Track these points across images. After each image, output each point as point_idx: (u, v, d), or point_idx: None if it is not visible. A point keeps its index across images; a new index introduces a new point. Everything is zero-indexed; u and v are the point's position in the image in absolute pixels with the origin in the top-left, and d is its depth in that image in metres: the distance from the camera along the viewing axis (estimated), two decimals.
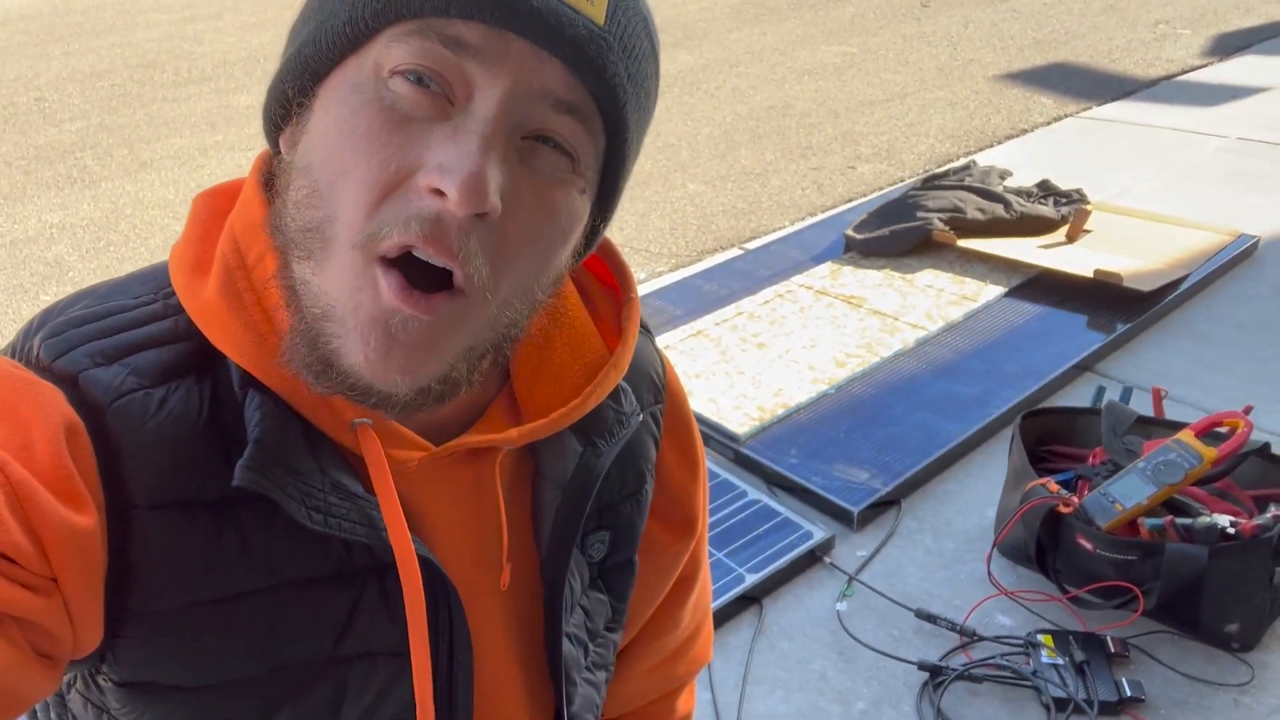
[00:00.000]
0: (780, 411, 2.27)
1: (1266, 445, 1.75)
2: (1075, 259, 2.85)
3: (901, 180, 4.01)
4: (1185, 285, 2.75)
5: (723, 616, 1.75)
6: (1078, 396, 2.31)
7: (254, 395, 0.53)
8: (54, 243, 3.89)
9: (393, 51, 0.48)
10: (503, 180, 0.48)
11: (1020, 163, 3.75)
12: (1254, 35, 5.76)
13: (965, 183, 3.25)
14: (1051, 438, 1.98)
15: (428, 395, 0.52)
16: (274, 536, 0.54)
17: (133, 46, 7.06)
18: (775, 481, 2.09)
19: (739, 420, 2.24)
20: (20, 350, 0.54)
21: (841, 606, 1.78)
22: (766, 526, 1.92)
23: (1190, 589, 1.60)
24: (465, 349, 0.52)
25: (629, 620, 0.76)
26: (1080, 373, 2.44)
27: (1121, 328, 2.56)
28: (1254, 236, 3.02)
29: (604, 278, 0.69)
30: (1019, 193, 3.23)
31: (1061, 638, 1.63)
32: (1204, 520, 1.61)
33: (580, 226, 0.54)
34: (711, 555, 1.85)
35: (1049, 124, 4.54)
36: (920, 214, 3.05)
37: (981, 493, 2.04)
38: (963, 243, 2.96)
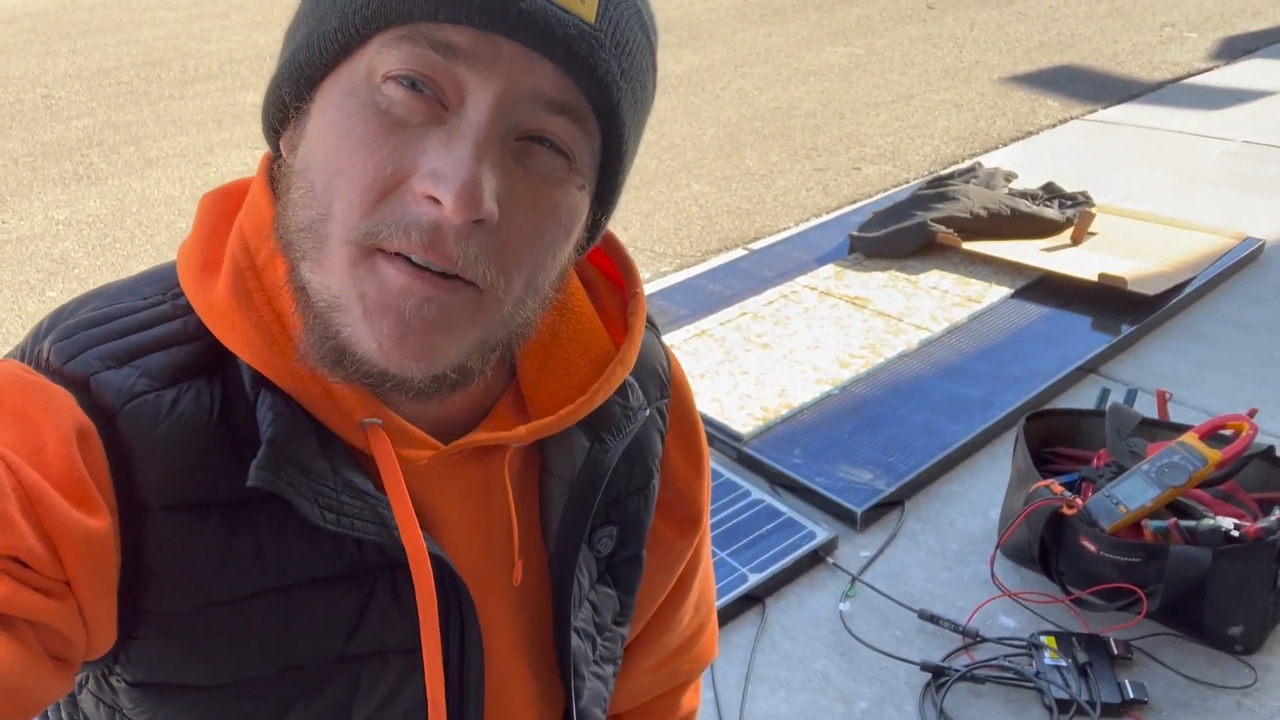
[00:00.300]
0: (784, 412, 2.27)
1: (1271, 448, 1.75)
2: (1080, 262, 2.85)
3: (907, 182, 4.01)
4: (1190, 288, 2.75)
5: (726, 616, 1.75)
6: (1082, 399, 2.31)
7: (266, 395, 0.53)
8: (60, 239, 3.90)
9: (384, 57, 0.48)
10: (498, 184, 0.48)
11: (1025, 165, 3.75)
12: (1260, 39, 5.76)
13: (970, 185, 3.25)
14: (1056, 440, 1.98)
15: (442, 383, 0.52)
16: (286, 536, 0.54)
17: (139, 44, 7.08)
18: (779, 481, 2.09)
19: (743, 420, 2.24)
20: (30, 353, 0.54)
21: (844, 607, 1.78)
22: (770, 526, 1.92)
23: (1194, 591, 1.60)
24: (480, 340, 0.52)
25: (634, 616, 0.76)
26: (1085, 375, 2.44)
27: (1126, 330, 2.56)
28: (1259, 240, 3.01)
29: (610, 273, 0.69)
30: (1024, 195, 3.23)
31: (1064, 639, 1.63)
32: (1208, 523, 1.61)
33: (581, 222, 0.54)
34: (714, 555, 1.85)
35: (1054, 126, 4.54)
36: (925, 216, 3.05)
37: (985, 494, 2.04)
38: (967, 245, 2.96)
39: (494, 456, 0.61)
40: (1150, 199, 3.49)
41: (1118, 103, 4.75)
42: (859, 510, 1.95)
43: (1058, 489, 1.73)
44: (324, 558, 0.55)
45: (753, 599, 1.79)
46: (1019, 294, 2.78)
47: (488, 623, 0.62)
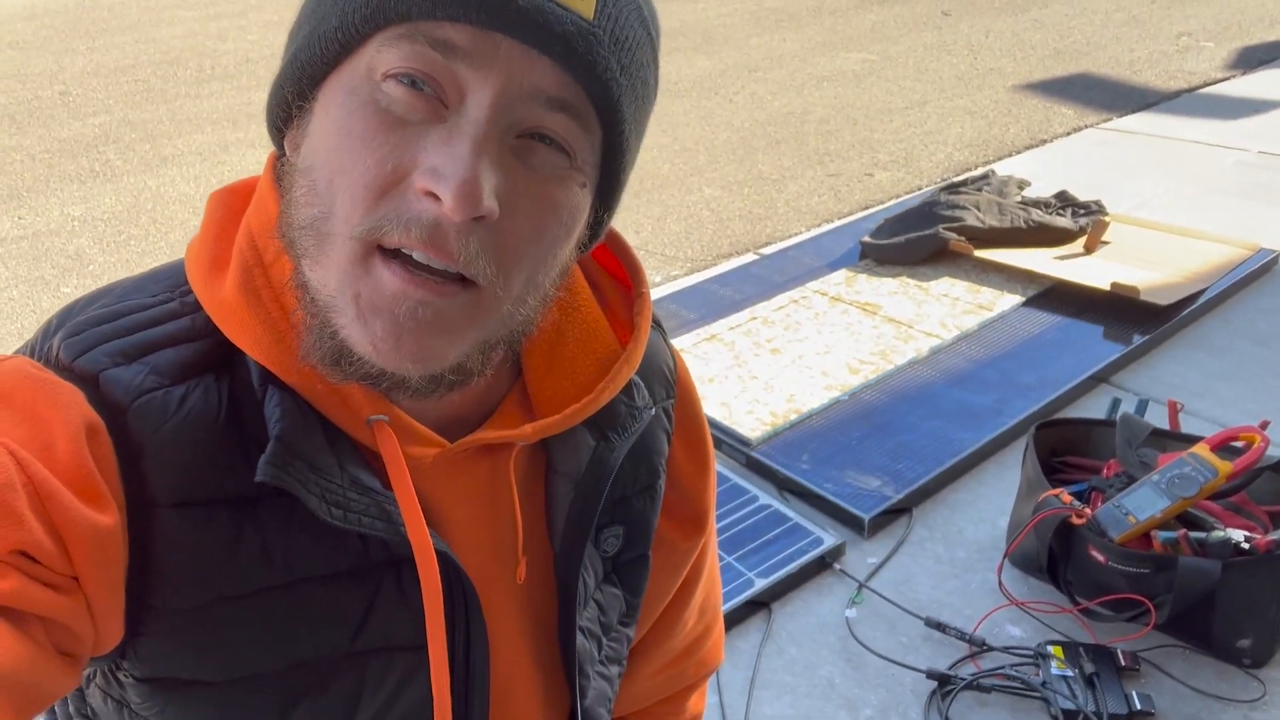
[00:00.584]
0: (793, 417, 2.27)
1: None
2: (1092, 270, 2.84)
3: (919, 188, 4.00)
4: (1203, 299, 2.74)
5: (732, 621, 1.75)
6: (1093, 408, 2.30)
7: (274, 392, 0.53)
8: (75, 235, 3.93)
9: (384, 55, 0.48)
10: (499, 181, 0.48)
11: (1039, 173, 3.73)
12: (1277, 49, 5.73)
13: (983, 192, 3.24)
14: (1065, 449, 1.97)
15: (440, 383, 0.53)
16: (293, 533, 0.54)
17: (157, 43, 7.12)
18: (786, 487, 2.09)
19: (751, 425, 2.24)
20: (40, 350, 0.54)
21: (851, 613, 1.78)
22: (777, 531, 1.92)
23: (1203, 603, 1.59)
24: (480, 341, 0.52)
25: (640, 618, 0.77)
26: (1096, 384, 2.43)
27: (1138, 340, 2.55)
28: (1273, 251, 3.00)
29: (616, 273, 0.69)
30: (1037, 203, 3.22)
31: (1071, 649, 1.63)
32: (1218, 534, 1.61)
33: (582, 220, 0.55)
34: (721, 559, 1.85)
35: (1069, 134, 4.53)
36: (937, 223, 3.04)
37: (994, 502, 2.04)
38: (979, 252, 2.96)
39: (500, 454, 0.61)
40: (1164, 209, 3.48)
41: (1133, 111, 4.74)
42: (867, 517, 1.95)
43: (1067, 498, 1.73)
44: (330, 554, 0.55)
45: (759, 604, 1.79)
46: (1030, 302, 2.77)
47: (493, 620, 0.62)
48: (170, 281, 0.57)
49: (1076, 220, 3.12)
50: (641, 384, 0.66)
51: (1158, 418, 1.98)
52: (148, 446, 0.51)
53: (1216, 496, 1.68)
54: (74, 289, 3.49)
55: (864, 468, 2.10)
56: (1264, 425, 1.74)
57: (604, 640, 0.71)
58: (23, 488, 0.45)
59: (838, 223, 3.61)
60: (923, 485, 2.04)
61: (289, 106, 0.53)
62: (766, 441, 2.20)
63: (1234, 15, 6.62)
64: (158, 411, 0.52)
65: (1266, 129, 4.27)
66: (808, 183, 4.23)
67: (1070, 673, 1.58)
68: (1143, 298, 2.65)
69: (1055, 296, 2.79)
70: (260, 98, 5.71)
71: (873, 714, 1.58)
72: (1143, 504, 1.66)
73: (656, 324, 0.71)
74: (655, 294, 3.02)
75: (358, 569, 0.56)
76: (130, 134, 5.14)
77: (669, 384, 0.71)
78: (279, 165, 0.56)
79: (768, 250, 3.38)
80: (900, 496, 2.00)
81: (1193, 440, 1.79)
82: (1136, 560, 1.63)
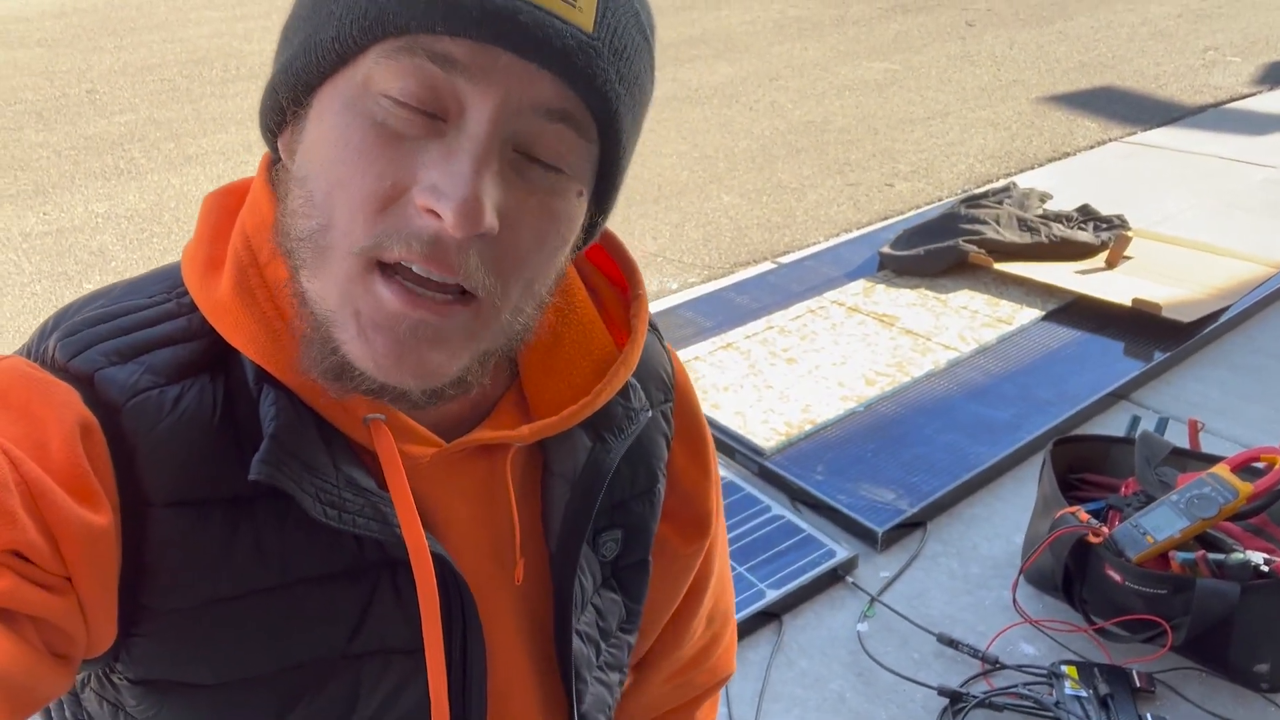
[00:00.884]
0: (807, 428, 2.26)
1: None
2: (1114, 286, 2.82)
3: (939, 199, 3.98)
4: (1226, 316, 2.71)
5: (742, 632, 1.74)
6: (1112, 425, 2.28)
7: (269, 391, 0.53)
8: (99, 232, 3.97)
9: (382, 69, 0.48)
10: (499, 196, 0.48)
11: (1061, 186, 3.70)
12: None
13: (1004, 204, 3.22)
14: (1083, 466, 1.96)
15: (440, 395, 0.53)
16: (287, 533, 0.54)
17: (184, 42, 7.19)
18: (800, 498, 2.07)
19: (765, 435, 2.23)
20: (36, 351, 0.54)
21: (862, 627, 1.77)
22: (789, 543, 1.91)
23: (1220, 626, 1.57)
24: (479, 352, 0.53)
25: (645, 625, 0.76)
26: (1115, 401, 2.41)
27: (1159, 357, 2.52)
28: None
29: (613, 276, 0.69)
30: (1059, 217, 3.20)
31: (1086, 669, 1.61)
32: (1237, 557, 1.58)
33: (578, 226, 0.55)
34: (733, 569, 1.84)
35: (1092, 148, 4.49)
36: (957, 235, 3.02)
37: (1009, 518, 2.02)
38: (999, 265, 2.94)
39: (496, 455, 0.61)
40: (1188, 224, 3.44)
41: (1157, 126, 4.70)
42: (880, 530, 1.94)
43: (1084, 516, 1.71)
44: (325, 555, 0.55)
45: (770, 615, 1.78)
46: (1050, 316, 2.75)
47: (490, 622, 0.62)
48: (167, 283, 0.57)
49: (1098, 235, 3.09)
50: (639, 386, 0.67)
51: (1178, 436, 1.96)
52: (142, 446, 0.51)
53: (1236, 518, 1.66)
54: (96, 285, 3.51)
55: (878, 480, 2.09)
56: None
57: (603, 646, 0.70)
58: (15, 486, 0.45)
59: (856, 233, 3.60)
60: (938, 499, 2.03)
61: (283, 111, 0.53)
62: (780, 452, 2.19)
63: (1261, 30, 6.56)
64: (153, 411, 0.52)
65: None
66: (827, 192, 4.22)
67: (1084, 693, 1.56)
68: (1164, 314, 2.62)
69: (1076, 311, 2.76)
70: None
71: None
72: (1161, 524, 1.64)
73: (653, 327, 0.72)
74: (672, 301, 3.01)
75: (353, 570, 0.56)
76: (155, 132, 5.19)
77: (666, 387, 0.72)
78: (273, 169, 0.56)
79: (785, 259, 3.37)
80: (915, 510, 1.99)
81: (1213, 460, 1.77)
82: (1154, 581, 1.61)
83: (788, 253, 3.54)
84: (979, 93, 5.52)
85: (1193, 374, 2.53)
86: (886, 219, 3.79)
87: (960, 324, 2.71)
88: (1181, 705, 1.58)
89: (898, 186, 4.25)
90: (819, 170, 4.47)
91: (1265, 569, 1.56)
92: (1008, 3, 7.75)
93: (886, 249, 3.11)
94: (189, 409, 0.52)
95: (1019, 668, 1.64)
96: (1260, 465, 1.68)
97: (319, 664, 0.56)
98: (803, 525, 1.96)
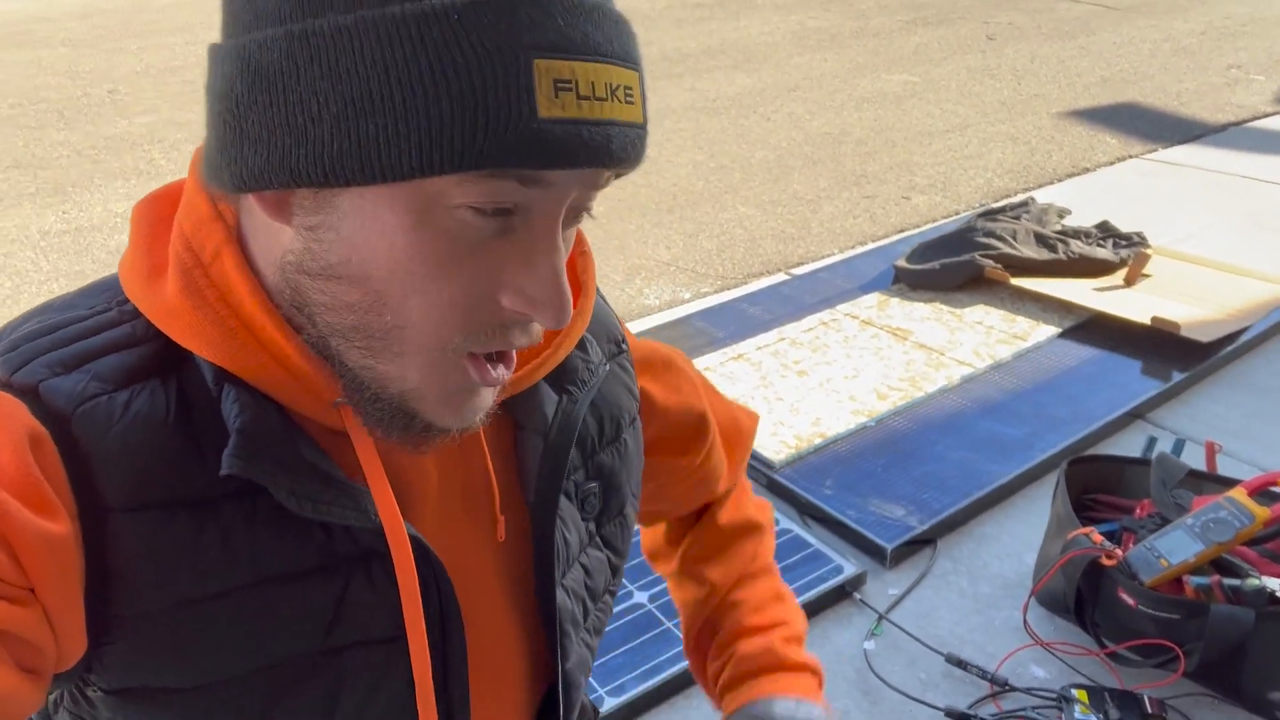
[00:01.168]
0: (817, 441, 2.24)
1: None
2: (1132, 304, 2.79)
3: (956, 213, 3.96)
4: (1245, 337, 2.67)
5: None
6: (1127, 445, 2.25)
7: (229, 388, 0.53)
8: (117, 231, 4.00)
9: (464, 189, 0.47)
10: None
11: (1080, 202, 3.67)
12: None
13: (1022, 219, 3.20)
14: (1098, 486, 1.93)
15: None
16: (255, 530, 0.54)
17: (206, 45, 7.25)
18: (808, 512, 2.05)
19: (775, 447, 2.21)
20: None
21: (869, 645, 1.74)
22: (797, 557, 1.89)
23: (1234, 652, 1.54)
24: None
25: (658, 511, 0.88)
26: (1131, 421, 2.38)
27: (1177, 377, 2.49)
28: None
29: None
30: (1077, 233, 3.17)
31: (1097, 694, 1.58)
32: (1253, 582, 1.56)
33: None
34: None
35: (1112, 164, 4.46)
36: (974, 249, 3.00)
37: (1021, 538, 1.99)
38: (1016, 281, 2.91)
39: None
40: (1208, 243, 3.41)
41: (1179, 143, 4.66)
42: (889, 546, 1.91)
43: (1097, 538, 1.68)
44: (295, 550, 0.55)
45: None
46: (1067, 334, 2.72)
47: (472, 585, 0.63)
48: (107, 294, 0.57)
49: (1117, 252, 3.06)
50: (594, 341, 0.71)
51: (1194, 458, 1.93)
52: (95, 453, 0.51)
53: (1253, 543, 1.63)
54: None
55: (888, 496, 2.07)
56: None
57: (590, 607, 0.72)
58: None
59: (872, 245, 3.58)
60: (948, 517, 2.00)
61: (293, 180, 0.48)
62: (790, 465, 2.17)
63: None
64: (103, 417, 0.51)
65: None
66: (843, 204, 4.20)
67: (1094, 718, 1.54)
68: (1183, 333, 2.59)
69: (1093, 329, 2.73)
70: None
71: None
72: (1175, 547, 1.61)
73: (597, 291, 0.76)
74: (684, 310, 3.00)
75: (325, 564, 0.56)
76: (176, 134, 5.23)
77: (617, 339, 0.75)
78: (241, 207, 0.55)
79: (799, 271, 3.35)
80: (925, 527, 1.97)
81: (1230, 483, 1.74)
82: (1167, 605, 1.58)
83: (802, 264, 3.53)
84: (999, 106, 5.49)
85: (1211, 395, 2.50)
86: (903, 232, 3.77)
87: (975, 339, 2.69)
88: None
89: (915, 199, 4.23)
90: (835, 182, 4.46)
91: None
92: (1029, 16, 7.72)
93: (902, 262, 3.09)
94: (141, 413, 0.52)
95: (1028, 690, 1.62)
96: (1278, 490, 1.66)
97: (297, 661, 0.56)
98: (811, 540, 1.94)
